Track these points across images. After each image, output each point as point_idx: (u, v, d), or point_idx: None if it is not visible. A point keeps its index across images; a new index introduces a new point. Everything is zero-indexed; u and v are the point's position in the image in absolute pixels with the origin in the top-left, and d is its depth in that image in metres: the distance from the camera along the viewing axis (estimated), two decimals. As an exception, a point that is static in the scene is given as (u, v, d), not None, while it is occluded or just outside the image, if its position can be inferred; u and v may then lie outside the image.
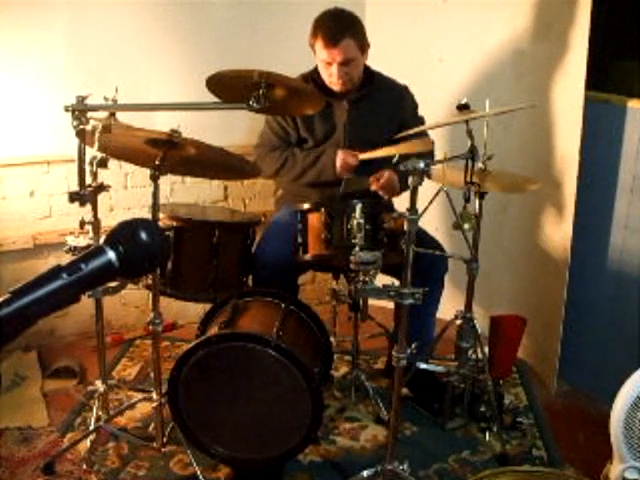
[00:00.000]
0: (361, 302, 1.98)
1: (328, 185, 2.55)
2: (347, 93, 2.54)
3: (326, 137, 2.58)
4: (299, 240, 2.27)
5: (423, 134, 2.67)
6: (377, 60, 2.61)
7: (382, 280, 1.97)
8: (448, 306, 2.61)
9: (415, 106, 2.69)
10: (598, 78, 2.58)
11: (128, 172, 3.04)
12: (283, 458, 2.15)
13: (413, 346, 1.96)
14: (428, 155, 2.63)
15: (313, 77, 2.56)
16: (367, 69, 2.59)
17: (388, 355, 2.78)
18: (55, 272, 0.78)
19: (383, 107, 2.59)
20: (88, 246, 1.99)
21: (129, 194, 3.10)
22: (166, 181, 3.04)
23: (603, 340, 2.68)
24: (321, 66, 2.49)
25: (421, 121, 2.68)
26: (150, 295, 2.21)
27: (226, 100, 1.99)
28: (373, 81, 2.59)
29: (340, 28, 2.39)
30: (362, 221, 1.93)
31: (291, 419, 2.08)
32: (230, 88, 1.95)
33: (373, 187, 2.40)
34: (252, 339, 2.03)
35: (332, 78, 2.47)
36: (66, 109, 1.85)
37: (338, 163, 2.48)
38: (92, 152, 1.95)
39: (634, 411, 1.65)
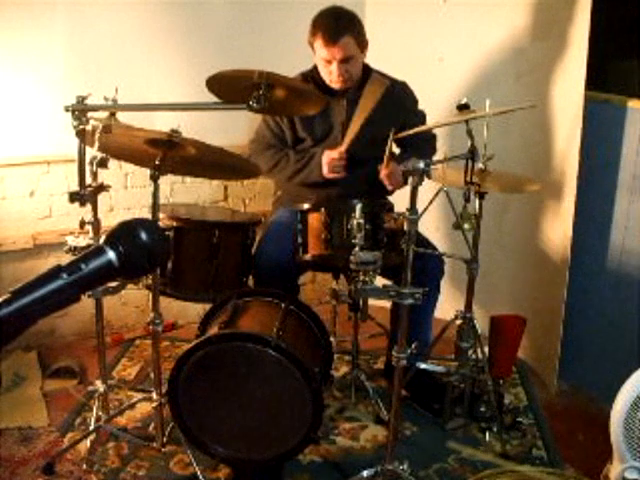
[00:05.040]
0: (361, 302, 1.98)
1: (327, 185, 2.55)
2: (346, 91, 2.54)
3: (325, 136, 2.58)
4: (299, 240, 2.27)
5: (424, 132, 2.68)
6: (377, 60, 2.61)
7: (381, 281, 1.97)
8: (448, 306, 2.61)
9: (415, 102, 2.69)
10: (598, 78, 2.58)
11: (128, 172, 3.04)
12: (283, 458, 2.15)
13: (413, 346, 1.96)
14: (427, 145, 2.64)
15: (312, 76, 2.56)
16: (365, 67, 2.60)
17: (387, 355, 2.78)
18: (55, 272, 0.78)
19: (382, 105, 2.59)
20: (88, 246, 1.99)
21: (129, 194, 3.10)
22: (166, 181, 3.04)
23: (603, 340, 2.68)
24: (321, 64, 2.49)
25: (422, 115, 2.68)
26: (150, 295, 2.21)
27: (226, 100, 1.99)
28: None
29: (339, 26, 2.40)
30: (362, 221, 1.93)
31: (291, 419, 2.08)
32: (230, 88, 1.95)
33: (382, 173, 2.40)
34: (252, 339, 2.03)
35: (332, 76, 2.47)
36: (66, 109, 1.85)
37: (324, 167, 2.47)
38: (92, 152, 1.95)
39: (634, 411, 1.65)
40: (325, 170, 2.48)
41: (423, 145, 2.65)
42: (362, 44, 2.47)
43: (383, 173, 2.41)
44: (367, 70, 2.59)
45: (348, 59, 2.43)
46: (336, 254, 2.19)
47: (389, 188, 2.46)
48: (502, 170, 2.41)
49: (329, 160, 2.47)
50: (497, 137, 2.62)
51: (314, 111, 2.19)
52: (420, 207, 1.87)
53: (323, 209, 2.21)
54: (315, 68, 2.56)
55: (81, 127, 1.85)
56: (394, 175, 2.43)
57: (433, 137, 2.75)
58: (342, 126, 2.56)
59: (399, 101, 2.63)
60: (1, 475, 2.20)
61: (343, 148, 2.44)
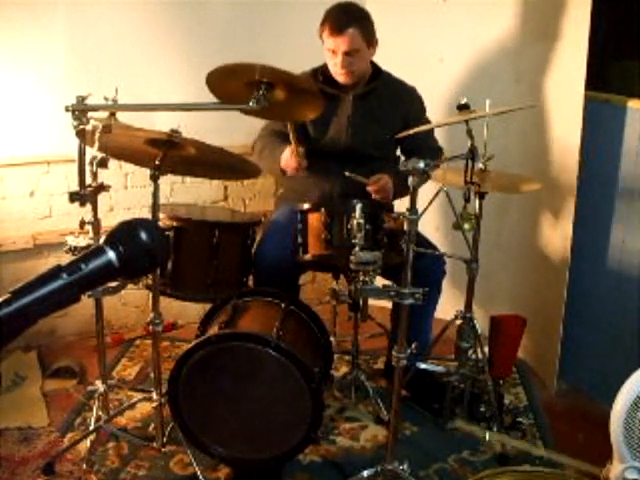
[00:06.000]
0: (361, 302, 1.98)
1: (328, 183, 2.55)
2: (353, 87, 2.55)
3: (328, 130, 2.58)
4: (299, 240, 2.27)
5: (430, 138, 2.67)
6: (377, 60, 2.61)
7: (381, 282, 1.97)
8: (448, 306, 2.61)
9: (422, 108, 2.68)
10: (598, 78, 2.58)
11: (128, 172, 3.04)
12: (283, 458, 2.15)
13: (413, 346, 1.96)
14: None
15: (322, 71, 2.57)
16: (376, 67, 2.60)
17: (387, 355, 2.78)
18: (55, 272, 0.78)
19: (388, 105, 2.60)
20: (88, 246, 1.99)
21: (129, 194, 3.10)
22: (166, 181, 3.04)
23: (603, 340, 2.67)
24: (327, 55, 2.49)
25: (428, 124, 2.68)
26: (150, 295, 2.21)
27: (226, 100, 1.99)
28: (381, 78, 2.59)
29: (347, 17, 2.41)
30: (362, 221, 1.93)
31: (291, 419, 2.08)
32: (230, 88, 1.95)
33: (369, 188, 2.40)
34: (252, 339, 2.03)
35: (336, 67, 2.48)
36: (66, 109, 1.85)
37: (282, 162, 2.49)
38: (92, 152, 1.95)
39: (634, 411, 1.65)
40: (282, 165, 2.49)
41: (428, 156, 2.63)
42: (370, 40, 2.47)
43: (371, 189, 2.39)
44: (377, 70, 2.60)
45: (353, 52, 2.43)
46: (336, 254, 2.19)
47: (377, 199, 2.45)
48: (502, 170, 2.41)
49: (286, 163, 2.48)
50: (497, 137, 2.62)
51: (314, 114, 2.19)
52: (420, 207, 1.87)
53: (323, 209, 2.21)
54: (326, 64, 2.56)
55: (81, 127, 1.85)
56: (384, 190, 2.42)
57: (439, 149, 2.72)
58: (347, 121, 2.56)
59: (405, 105, 2.63)
60: (1, 475, 2.20)
61: (294, 146, 2.44)
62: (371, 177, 2.42)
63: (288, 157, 2.46)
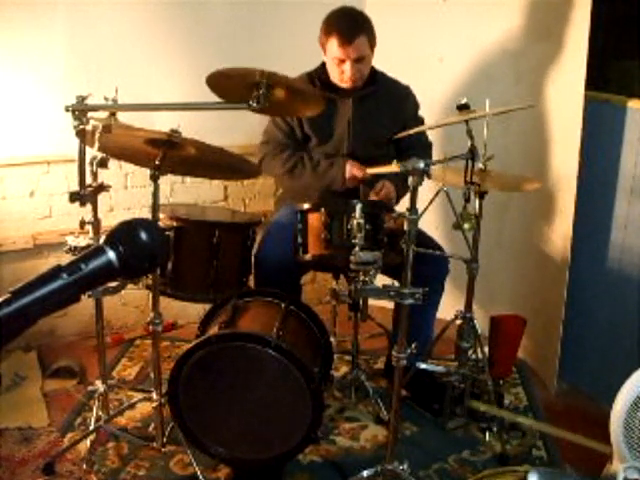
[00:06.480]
0: (361, 302, 1.98)
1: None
2: (353, 91, 2.55)
3: (330, 135, 2.58)
4: (299, 240, 2.27)
5: (422, 134, 2.68)
6: (377, 60, 2.61)
7: (382, 281, 1.97)
8: (448, 306, 2.61)
9: (417, 107, 2.70)
10: (598, 78, 2.58)
11: (128, 172, 3.04)
12: (283, 458, 2.15)
13: (413, 346, 1.96)
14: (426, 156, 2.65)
15: (318, 75, 2.57)
16: (372, 68, 2.60)
17: (387, 355, 2.78)
18: (55, 272, 0.78)
19: (386, 106, 2.60)
20: (88, 246, 1.99)
21: (129, 194, 3.10)
22: (166, 181, 3.04)
23: (603, 340, 2.68)
24: (332, 64, 2.49)
25: (421, 121, 2.69)
26: (150, 295, 2.21)
27: (226, 100, 1.99)
28: (377, 80, 2.59)
29: (355, 26, 2.42)
30: (362, 221, 1.93)
31: (291, 419, 2.08)
32: (230, 88, 1.95)
33: (372, 197, 2.42)
34: (252, 339, 2.03)
35: (344, 75, 2.47)
36: (66, 109, 1.85)
37: (347, 175, 2.49)
38: (92, 152, 1.95)
39: (634, 411, 1.65)
40: (348, 183, 2.49)
41: (420, 152, 2.63)
42: (373, 44, 2.48)
43: (373, 198, 2.42)
44: (373, 71, 2.60)
45: (362, 58, 2.44)
46: (336, 254, 2.19)
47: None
48: (502, 170, 2.41)
49: (352, 176, 2.48)
50: (497, 137, 2.62)
51: (314, 112, 2.18)
52: (420, 207, 1.87)
53: (323, 209, 2.21)
54: (321, 67, 2.56)
55: (81, 127, 1.85)
56: (387, 196, 2.45)
57: (429, 145, 2.74)
58: (348, 125, 2.56)
59: (401, 104, 2.64)
60: (1, 475, 2.20)
61: (370, 172, 2.45)
62: (371, 191, 2.44)
63: (349, 169, 2.47)
